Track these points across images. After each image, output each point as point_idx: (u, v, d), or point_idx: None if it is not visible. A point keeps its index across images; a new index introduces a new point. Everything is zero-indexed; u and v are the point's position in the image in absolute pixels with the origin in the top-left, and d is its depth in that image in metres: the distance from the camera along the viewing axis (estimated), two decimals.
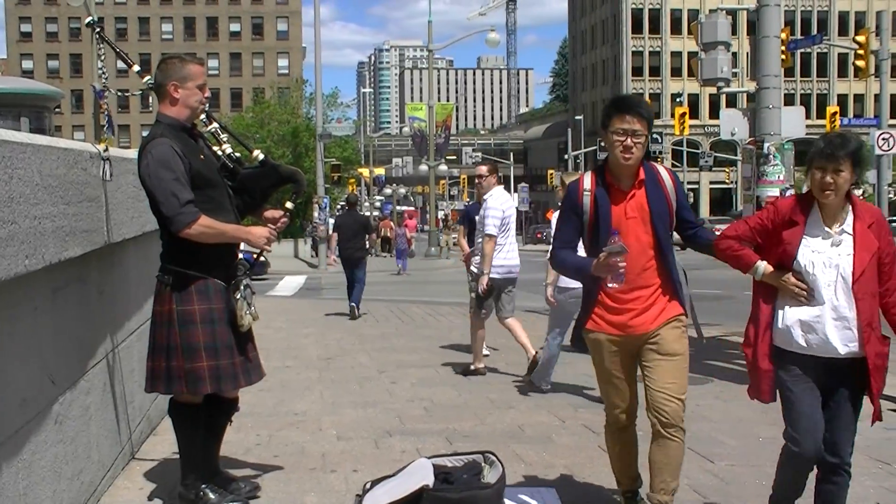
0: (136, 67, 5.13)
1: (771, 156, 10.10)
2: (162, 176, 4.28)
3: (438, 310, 15.27)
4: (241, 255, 4.81)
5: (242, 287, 4.53)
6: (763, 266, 4.01)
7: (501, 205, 8.57)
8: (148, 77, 4.84)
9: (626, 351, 4.27)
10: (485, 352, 9.33)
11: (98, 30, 5.13)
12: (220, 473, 4.86)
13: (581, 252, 4.38)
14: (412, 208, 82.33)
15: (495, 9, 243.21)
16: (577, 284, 7.63)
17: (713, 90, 15.27)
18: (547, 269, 7.76)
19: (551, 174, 75.49)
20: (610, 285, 4.06)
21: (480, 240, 8.56)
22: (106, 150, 4.67)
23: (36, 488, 3.64)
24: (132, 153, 5.13)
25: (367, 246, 16.00)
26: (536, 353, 8.27)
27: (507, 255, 8.68)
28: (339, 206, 43.02)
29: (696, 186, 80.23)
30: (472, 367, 8.93)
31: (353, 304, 14.30)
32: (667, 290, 4.25)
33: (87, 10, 23.10)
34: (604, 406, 4.50)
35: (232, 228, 4.51)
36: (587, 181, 4.26)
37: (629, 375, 4.32)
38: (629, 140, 4.07)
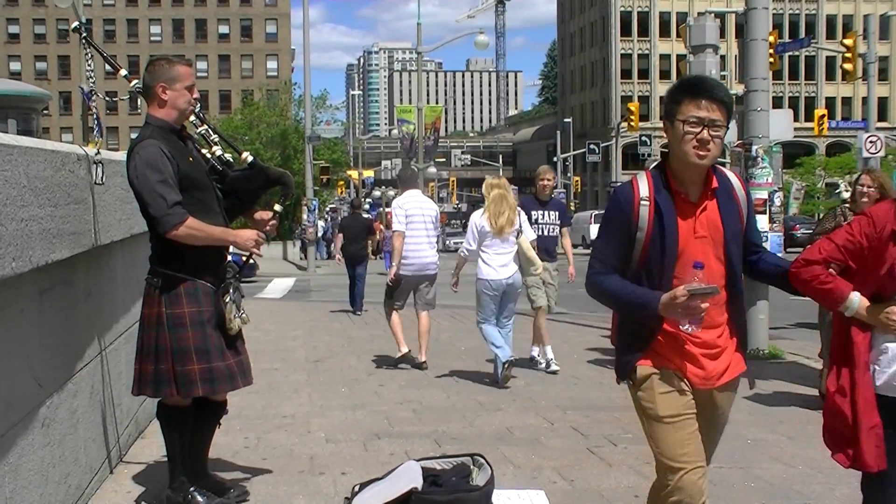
0: (124, 72, 5.11)
1: (759, 158, 10.13)
2: (150, 177, 4.28)
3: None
4: (230, 258, 4.80)
5: (231, 290, 4.52)
6: (857, 300, 3.15)
7: (403, 204, 9.31)
8: (136, 81, 4.83)
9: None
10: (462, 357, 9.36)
11: (84, 34, 5.11)
12: (209, 476, 4.85)
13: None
14: (388, 209, 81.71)
15: (484, 11, 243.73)
16: (497, 276, 8.42)
17: None
18: (459, 260, 8.82)
19: None
20: (684, 328, 3.21)
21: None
22: (98, 153, 4.66)
23: (23, 492, 3.62)
24: (120, 155, 5.11)
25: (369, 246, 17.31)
26: (409, 352, 9.35)
27: (417, 253, 9.15)
28: (329, 209, 42.96)
29: None
30: (398, 356, 9.45)
31: (356, 306, 15.81)
32: (734, 332, 3.39)
33: (75, 11, 23.03)
34: (655, 467, 3.59)
35: (220, 231, 4.50)
36: (642, 186, 3.27)
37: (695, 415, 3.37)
38: (705, 132, 3.16)
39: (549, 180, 9.50)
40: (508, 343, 8.43)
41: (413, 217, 9.17)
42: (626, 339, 3.43)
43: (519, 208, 8.59)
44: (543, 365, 9.21)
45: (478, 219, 8.38)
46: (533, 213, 9.19)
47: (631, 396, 3.47)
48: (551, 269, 9.32)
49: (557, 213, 9.45)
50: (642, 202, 3.25)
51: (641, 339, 3.32)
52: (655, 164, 3.39)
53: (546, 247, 9.27)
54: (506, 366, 8.23)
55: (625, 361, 3.40)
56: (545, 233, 9.27)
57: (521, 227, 8.47)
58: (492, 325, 8.43)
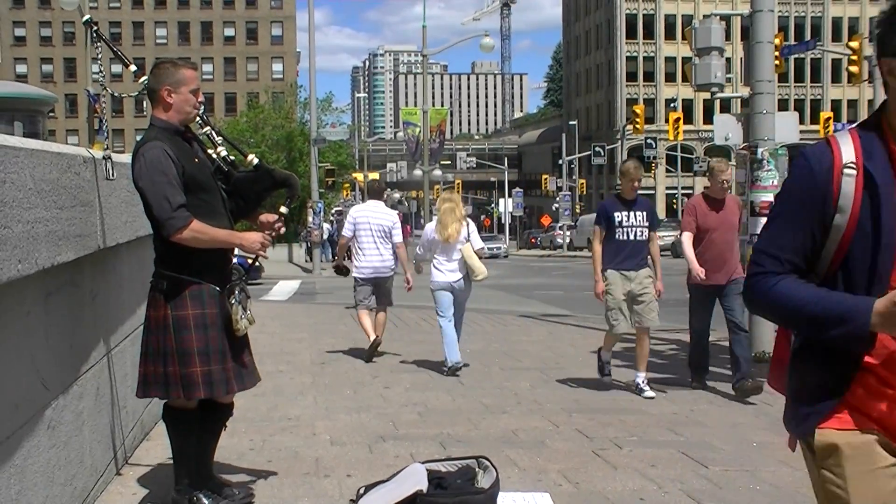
0: (133, 67, 5.13)
1: (765, 161, 10.11)
2: (154, 179, 4.28)
3: (432, 315, 15.13)
4: (235, 260, 4.80)
5: (237, 292, 4.52)
6: None
7: (354, 213, 10.36)
8: (144, 78, 4.84)
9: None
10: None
11: (95, 27, 5.12)
12: (214, 479, 4.84)
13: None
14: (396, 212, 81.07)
15: (490, 14, 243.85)
16: (446, 279, 9.25)
17: (707, 95, 15.27)
18: (410, 257, 9.64)
19: (545, 179, 75.67)
20: None
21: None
22: (107, 148, 4.67)
23: (28, 493, 3.63)
24: (126, 157, 5.12)
25: None
26: (377, 338, 10.06)
27: (368, 258, 10.08)
28: (334, 211, 42.94)
29: (690, 192, 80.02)
30: (369, 346, 10.09)
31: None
32: None
33: (80, 14, 23.08)
34: None
35: (225, 233, 4.50)
36: (845, 148, 2.25)
37: None
38: None
39: (638, 179, 8.16)
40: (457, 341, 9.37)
41: (361, 226, 10.08)
42: (803, 380, 2.32)
43: (467, 219, 9.44)
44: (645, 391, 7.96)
45: (429, 230, 9.46)
46: (616, 214, 8.03)
47: (806, 466, 2.41)
48: (642, 277, 8.02)
49: (645, 213, 8.15)
50: (846, 171, 2.22)
51: (831, 381, 2.24)
52: (862, 121, 2.35)
53: (633, 253, 8.07)
54: (449, 368, 9.10)
55: (801, 416, 2.32)
56: (631, 237, 8.08)
57: (468, 236, 9.25)
58: (450, 325, 9.31)
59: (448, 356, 9.15)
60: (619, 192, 8.27)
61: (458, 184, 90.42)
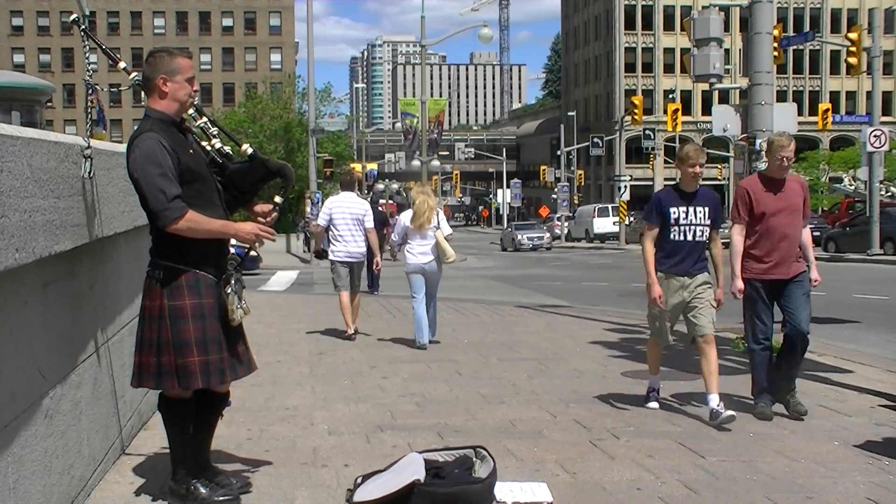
0: (123, 64, 5.10)
1: (763, 152, 10.11)
2: (149, 171, 4.27)
3: None
4: (232, 250, 4.79)
5: (233, 282, 4.52)
6: None
7: (330, 204, 11.45)
8: (135, 74, 4.82)
9: None
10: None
11: (83, 27, 5.10)
12: (211, 468, 4.85)
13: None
14: (390, 201, 79.50)
15: (488, 4, 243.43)
16: (418, 261, 10.22)
17: (706, 86, 15.28)
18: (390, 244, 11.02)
19: (543, 170, 75.61)
20: None
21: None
22: (88, 146, 4.63)
23: (26, 482, 3.63)
24: (124, 147, 5.11)
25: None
26: (354, 329, 11.12)
27: (343, 244, 11.15)
28: None
29: None
30: (347, 335, 11.12)
31: (373, 287, 18.08)
32: None
33: (78, 3, 22.98)
34: None
35: (220, 224, 4.49)
36: None
37: None
38: None
39: (700, 164, 6.74)
40: (433, 322, 10.61)
41: (336, 215, 11.13)
42: None
43: (438, 209, 10.55)
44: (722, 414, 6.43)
45: (405, 218, 10.55)
46: (672, 210, 6.69)
47: None
48: (698, 283, 6.74)
49: (707, 209, 6.76)
50: None
51: None
52: None
53: (690, 255, 6.74)
54: (420, 346, 10.19)
55: None
56: (688, 237, 6.71)
57: (438, 224, 10.35)
58: (421, 307, 10.33)
59: (416, 336, 10.30)
60: (677, 182, 6.91)
61: (457, 174, 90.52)
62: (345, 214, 11.17)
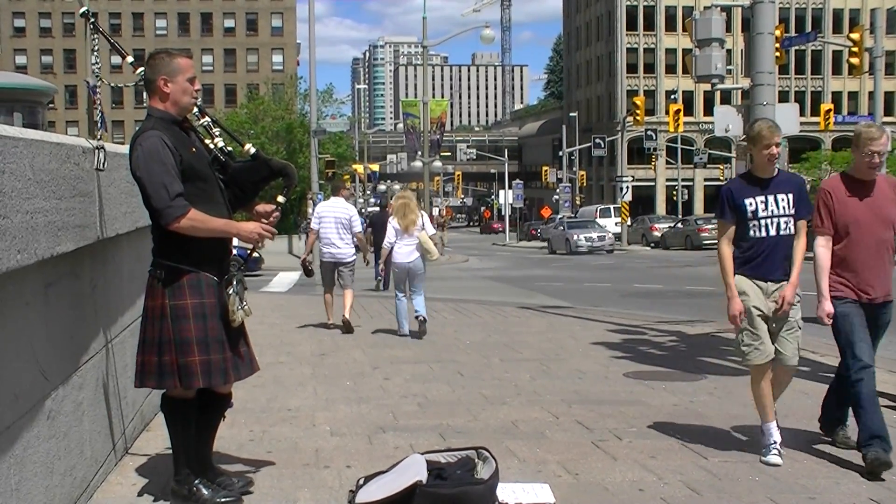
0: (130, 58, 5.12)
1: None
2: (152, 169, 4.28)
3: (432, 306, 15.21)
4: (234, 251, 4.79)
5: (235, 282, 4.52)
6: None
7: (319, 209, 12.64)
8: (142, 69, 4.83)
9: None
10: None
11: (92, 20, 5.12)
12: (213, 469, 4.85)
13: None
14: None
15: (490, 5, 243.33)
16: (402, 259, 11.29)
17: (708, 87, 15.28)
18: (383, 251, 11.76)
19: (545, 171, 75.57)
20: None
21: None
22: (99, 138, 4.65)
23: (28, 483, 3.63)
24: (125, 148, 5.11)
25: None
26: (344, 319, 11.78)
27: (329, 247, 12.14)
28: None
29: (690, 183, 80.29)
30: (327, 322, 12.29)
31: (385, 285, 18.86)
32: None
33: (80, 4, 23.07)
34: None
35: (222, 223, 4.50)
36: None
37: None
38: None
39: (776, 144, 5.53)
40: (421, 306, 11.35)
41: (325, 219, 12.15)
42: None
43: (421, 212, 11.61)
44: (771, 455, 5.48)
45: (394, 222, 11.48)
46: (747, 202, 5.51)
47: None
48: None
49: (791, 195, 5.54)
50: None
51: None
52: None
53: (774, 254, 5.55)
54: (402, 334, 11.28)
55: None
56: (771, 231, 5.52)
57: (423, 225, 11.36)
58: (402, 302, 11.50)
59: (399, 327, 11.47)
60: (750, 168, 5.77)
61: (459, 175, 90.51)
62: (330, 218, 12.19)
